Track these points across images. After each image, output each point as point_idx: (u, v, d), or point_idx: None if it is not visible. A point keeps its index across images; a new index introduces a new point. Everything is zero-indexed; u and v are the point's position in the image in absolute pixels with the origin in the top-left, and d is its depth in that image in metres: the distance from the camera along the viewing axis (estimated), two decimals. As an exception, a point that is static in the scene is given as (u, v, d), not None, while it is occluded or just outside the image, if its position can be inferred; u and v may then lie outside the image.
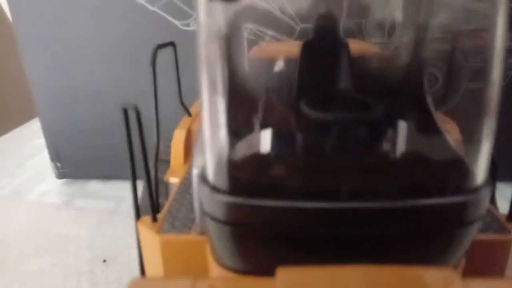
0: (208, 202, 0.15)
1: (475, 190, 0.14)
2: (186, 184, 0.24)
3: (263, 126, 0.15)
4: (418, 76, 0.19)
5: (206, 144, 0.15)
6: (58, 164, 0.54)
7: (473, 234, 0.15)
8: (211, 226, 0.16)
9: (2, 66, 0.81)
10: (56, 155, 0.54)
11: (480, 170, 0.15)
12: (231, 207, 0.15)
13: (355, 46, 0.22)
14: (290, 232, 0.14)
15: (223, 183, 0.15)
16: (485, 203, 0.15)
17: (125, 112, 0.19)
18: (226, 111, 0.15)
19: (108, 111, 0.50)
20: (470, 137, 0.15)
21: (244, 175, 0.15)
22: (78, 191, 0.53)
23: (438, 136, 0.16)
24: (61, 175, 0.54)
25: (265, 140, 0.15)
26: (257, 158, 0.15)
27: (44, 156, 0.58)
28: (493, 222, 0.20)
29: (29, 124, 0.77)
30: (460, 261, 0.16)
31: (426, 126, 0.16)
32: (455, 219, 0.14)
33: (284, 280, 0.11)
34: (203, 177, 0.16)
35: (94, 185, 0.54)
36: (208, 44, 0.14)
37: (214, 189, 0.15)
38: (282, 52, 0.22)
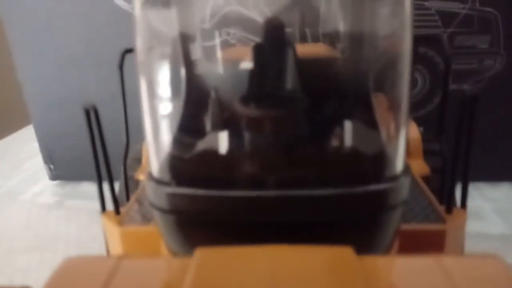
0: (152, 195, 0.17)
1: (393, 178, 0.16)
2: None
3: (199, 123, 0.17)
4: (358, 76, 0.20)
5: (149, 142, 0.17)
6: (51, 166, 0.56)
7: (396, 220, 0.16)
8: (156, 216, 0.17)
9: (2, 72, 0.84)
10: (49, 157, 0.56)
11: (397, 161, 0.16)
12: (171, 197, 0.16)
13: (310, 49, 0.23)
14: (224, 219, 0.16)
15: (163, 176, 0.16)
16: (404, 191, 0.16)
17: (87, 112, 0.21)
18: (166, 110, 0.16)
19: (99, 115, 0.52)
20: (388, 134, 0.16)
21: (181, 168, 0.17)
22: (70, 192, 0.54)
23: (367, 132, 0.17)
24: (54, 176, 0.56)
25: (200, 136, 0.16)
26: (194, 153, 0.17)
27: (40, 159, 0.60)
28: (432, 213, 0.21)
29: (27, 128, 0.79)
30: (389, 247, 0.17)
31: (356, 121, 0.17)
32: (377, 205, 0.16)
33: (198, 258, 0.13)
34: (149, 173, 0.17)
35: (86, 187, 0.55)
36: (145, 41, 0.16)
37: (157, 182, 0.16)
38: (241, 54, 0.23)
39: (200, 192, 0.16)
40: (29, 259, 0.41)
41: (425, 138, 0.31)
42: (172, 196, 0.16)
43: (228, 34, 0.25)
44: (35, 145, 0.68)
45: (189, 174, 0.16)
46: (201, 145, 0.16)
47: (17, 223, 0.47)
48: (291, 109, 0.16)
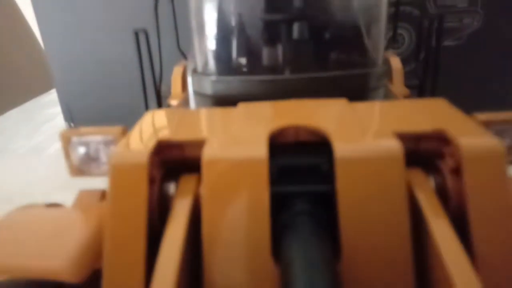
0: (197, 85, 0.23)
1: (374, 66, 0.22)
2: (181, 102, 0.32)
3: (232, 31, 0.22)
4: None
5: (195, 46, 0.23)
6: (72, 124, 0.61)
7: (377, 98, 0.22)
8: (199, 102, 0.23)
9: (18, 46, 0.88)
10: (70, 116, 0.61)
11: (378, 55, 0.22)
12: (213, 83, 0.22)
13: None
14: (252, 98, 0.21)
15: (207, 69, 0.22)
16: (382, 78, 0.22)
17: (136, 35, 0.26)
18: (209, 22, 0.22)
19: (116, 75, 0.57)
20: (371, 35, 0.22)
21: (219, 60, 0.22)
22: (90, 147, 0.60)
23: (356, 34, 0.23)
24: (74, 134, 0.61)
25: (235, 39, 0.22)
26: (230, 50, 0.22)
27: (58, 122, 0.65)
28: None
29: (40, 97, 0.84)
30: None
31: (347, 26, 0.23)
32: (363, 85, 0.22)
33: (240, 108, 0.18)
34: (193, 70, 0.23)
35: (104, 142, 0.61)
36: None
37: (202, 74, 0.22)
38: None
39: (235, 78, 0.21)
40: (64, 196, 0.46)
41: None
42: (214, 83, 0.22)
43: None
44: (51, 111, 0.73)
45: (227, 66, 0.22)
46: (235, 44, 0.22)
47: (47, 170, 0.53)
48: (300, 15, 0.21)
